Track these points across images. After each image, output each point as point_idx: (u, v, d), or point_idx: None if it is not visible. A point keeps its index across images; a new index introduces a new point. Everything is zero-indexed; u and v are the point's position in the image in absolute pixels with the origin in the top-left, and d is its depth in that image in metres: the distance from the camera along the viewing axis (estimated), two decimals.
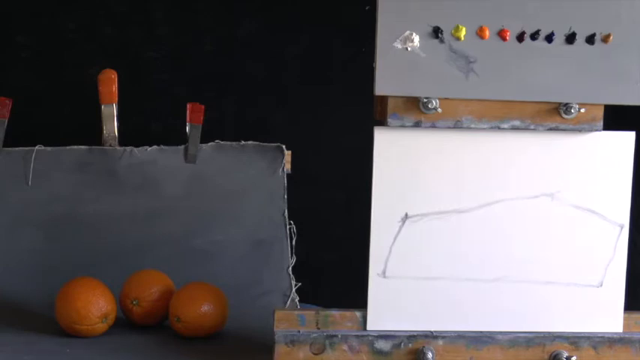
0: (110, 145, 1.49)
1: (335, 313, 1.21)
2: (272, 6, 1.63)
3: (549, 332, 1.22)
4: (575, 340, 1.23)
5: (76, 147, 1.49)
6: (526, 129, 1.20)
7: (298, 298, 1.50)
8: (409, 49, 1.16)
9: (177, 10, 1.63)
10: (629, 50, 1.18)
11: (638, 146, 1.25)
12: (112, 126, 1.49)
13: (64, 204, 1.48)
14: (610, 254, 1.24)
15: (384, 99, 1.19)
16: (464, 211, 1.20)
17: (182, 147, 1.50)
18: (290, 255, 1.51)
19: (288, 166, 1.51)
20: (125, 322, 1.38)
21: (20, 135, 1.49)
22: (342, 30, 1.63)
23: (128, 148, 1.49)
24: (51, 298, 1.34)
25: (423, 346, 1.21)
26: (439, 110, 1.17)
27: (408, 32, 1.16)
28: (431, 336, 1.21)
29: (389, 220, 1.20)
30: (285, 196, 1.51)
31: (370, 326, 1.21)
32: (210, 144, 1.51)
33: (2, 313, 1.40)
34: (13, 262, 1.46)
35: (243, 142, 1.51)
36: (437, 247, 1.20)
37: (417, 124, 1.18)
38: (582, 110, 1.20)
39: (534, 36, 1.17)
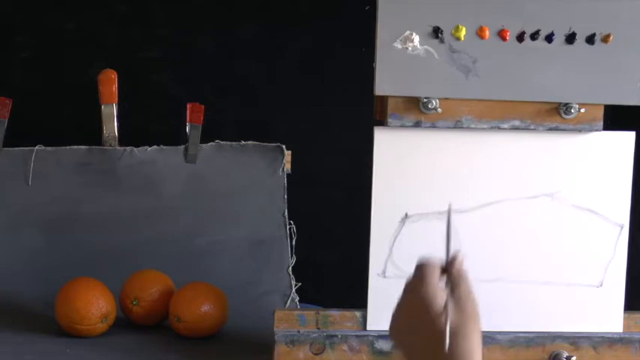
0: (110, 145, 1.49)
1: (335, 313, 1.21)
2: (272, 6, 1.63)
3: (549, 332, 1.22)
4: (575, 340, 1.23)
5: (76, 147, 1.49)
6: (526, 129, 1.20)
7: (298, 298, 1.50)
8: (409, 49, 1.16)
9: (177, 11, 1.63)
10: (629, 50, 1.18)
11: (638, 146, 1.25)
12: (112, 126, 1.49)
13: (64, 204, 1.48)
14: (610, 254, 1.24)
15: (384, 99, 1.19)
16: (464, 211, 1.20)
17: (182, 147, 1.50)
18: (290, 255, 1.51)
19: (288, 166, 1.51)
20: (125, 322, 1.38)
21: (20, 135, 1.49)
22: (342, 30, 1.63)
23: (128, 148, 1.49)
24: (51, 298, 1.34)
25: None
26: (439, 110, 1.17)
27: (408, 32, 1.16)
28: None
29: (389, 220, 1.20)
30: (285, 196, 1.51)
31: (370, 326, 1.21)
32: (210, 144, 1.51)
33: (2, 313, 1.40)
34: (13, 262, 1.46)
35: (243, 142, 1.51)
36: (437, 247, 1.20)
37: (417, 124, 1.18)
38: (582, 110, 1.20)
39: (534, 36, 1.17)
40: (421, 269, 0.93)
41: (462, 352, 0.88)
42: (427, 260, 0.94)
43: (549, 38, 1.17)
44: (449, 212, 0.97)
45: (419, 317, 0.91)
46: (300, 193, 1.54)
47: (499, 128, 1.20)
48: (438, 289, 0.92)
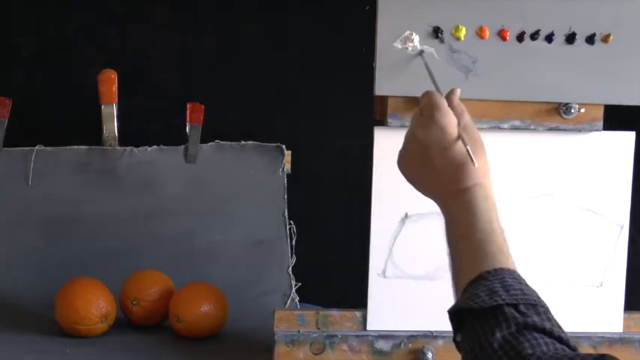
0: (110, 145, 1.49)
1: (335, 313, 1.21)
2: (272, 6, 1.63)
3: None
4: (575, 340, 1.22)
5: (76, 147, 1.49)
6: (526, 129, 1.20)
7: (298, 298, 1.50)
8: (409, 49, 1.16)
9: (177, 10, 1.63)
10: (629, 50, 1.18)
11: (638, 146, 1.25)
12: (112, 126, 1.49)
13: (64, 204, 1.48)
14: (610, 254, 1.24)
15: (384, 99, 1.19)
16: None
17: (182, 147, 1.50)
18: (290, 255, 1.51)
19: (288, 166, 1.51)
20: (125, 322, 1.38)
21: (20, 135, 1.49)
22: (342, 30, 1.63)
23: (128, 148, 1.49)
24: (51, 298, 1.34)
25: (423, 346, 1.21)
26: None
27: (408, 32, 1.16)
28: (431, 336, 1.21)
29: (389, 220, 1.20)
30: (285, 196, 1.51)
31: (370, 326, 1.21)
32: (210, 144, 1.51)
33: (2, 313, 1.40)
34: (13, 262, 1.46)
35: (243, 142, 1.51)
36: (437, 247, 1.20)
37: None
38: (582, 110, 1.20)
39: (534, 36, 1.17)
40: (433, 99, 0.99)
41: (480, 170, 0.96)
42: (434, 92, 1.01)
43: (549, 38, 1.17)
44: (423, 57, 1.12)
45: (434, 146, 0.97)
46: (300, 193, 1.54)
47: (499, 128, 1.20)
48: (453, 117, 0.98)
